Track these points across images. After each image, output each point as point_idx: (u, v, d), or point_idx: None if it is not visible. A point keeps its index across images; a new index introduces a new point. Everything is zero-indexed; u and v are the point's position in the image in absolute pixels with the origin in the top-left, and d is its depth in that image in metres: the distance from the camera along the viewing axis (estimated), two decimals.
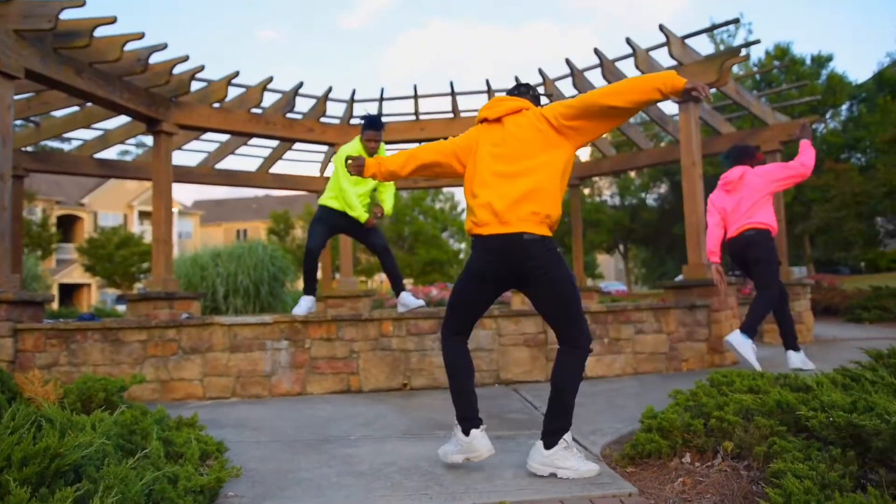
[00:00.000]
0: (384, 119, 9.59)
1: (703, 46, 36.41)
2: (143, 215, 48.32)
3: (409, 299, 6.09)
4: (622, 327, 6.18)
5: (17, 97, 8.21)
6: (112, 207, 47.77)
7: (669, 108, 19.80)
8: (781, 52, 25.03)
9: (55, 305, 37.79)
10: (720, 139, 9.91)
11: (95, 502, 1.91)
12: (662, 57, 7.62)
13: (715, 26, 7.39)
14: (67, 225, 45.64)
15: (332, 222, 6.05)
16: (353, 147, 5.86)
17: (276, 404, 5.20)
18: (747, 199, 5.70)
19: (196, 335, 5.60)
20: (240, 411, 4.90)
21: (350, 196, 5.84)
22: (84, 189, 46.84)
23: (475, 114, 9.77)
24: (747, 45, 7.34)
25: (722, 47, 23.05)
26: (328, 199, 6.01)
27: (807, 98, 10.81)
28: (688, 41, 7.31)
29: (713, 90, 9.01)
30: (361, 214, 5.89)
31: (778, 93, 17.99)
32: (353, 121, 10.04)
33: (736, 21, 7.01)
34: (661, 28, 7.04)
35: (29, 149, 9.79)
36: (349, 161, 3.28)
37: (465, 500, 2.63)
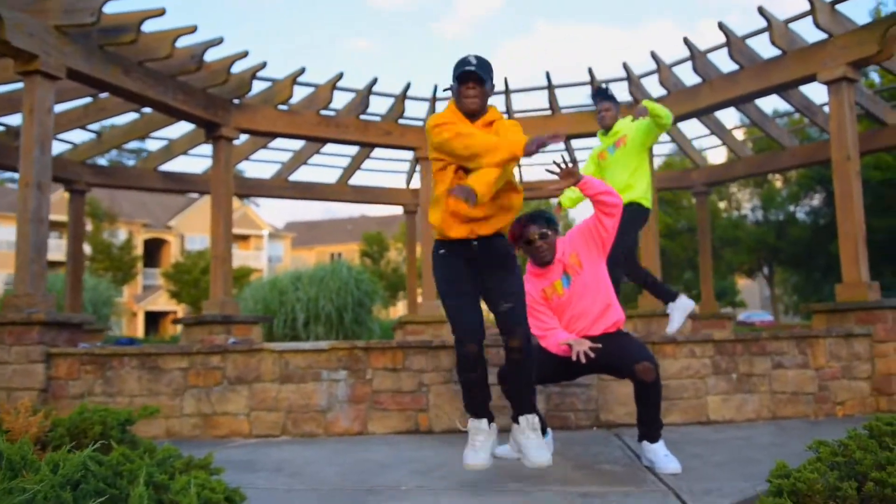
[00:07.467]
0: None
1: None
2: (234, 238, 50.22)
3: (677, 313, 5.56)
4: (755, 360, 5.52)
5: (73, 104, 8.46)
6: (199, 230, 49.93)
7: (818, 94, 18.28)
8: None
9: (140, 333, 39.76)
10: (885, 131, 8.96)
11: None
12: (805, 28, 6.92)
13: None
14: (154, 249, 48.02)
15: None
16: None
17: (329, 445, 4.91)
18: None
19: (242, 363, 5.41)
20: (284, 452, 4.63)
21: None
22: (171, 211, 49.23)
23: (573, 110, 9.34)
24: None
25: None
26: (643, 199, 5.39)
27: None
28: (838, 6, 6.60)
29: (872, 67, 8.14)
30: None
31: None
32: None
33: None
34: None
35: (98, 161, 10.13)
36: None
37: None
